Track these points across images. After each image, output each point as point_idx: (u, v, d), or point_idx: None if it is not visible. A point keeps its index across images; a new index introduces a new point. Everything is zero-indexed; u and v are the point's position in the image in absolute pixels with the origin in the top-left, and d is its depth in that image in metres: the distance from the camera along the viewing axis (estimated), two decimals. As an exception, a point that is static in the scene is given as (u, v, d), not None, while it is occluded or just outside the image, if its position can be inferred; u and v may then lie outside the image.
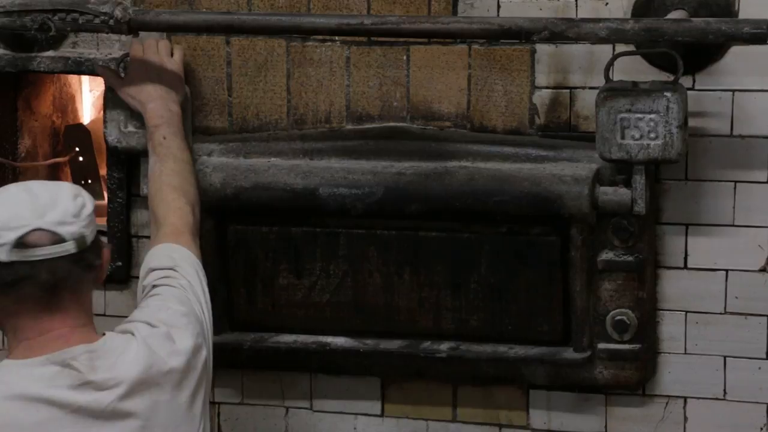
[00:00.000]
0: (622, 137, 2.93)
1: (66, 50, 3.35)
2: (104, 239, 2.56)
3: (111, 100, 3.19)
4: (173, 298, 2.60)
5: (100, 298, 3.40)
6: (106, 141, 3.24)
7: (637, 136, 2.93)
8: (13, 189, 2.49)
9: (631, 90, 2.95)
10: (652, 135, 2.92)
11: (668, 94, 2.91)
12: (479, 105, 3.18)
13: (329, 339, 3.24)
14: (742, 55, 3.01)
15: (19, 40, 3.32)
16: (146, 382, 2.42)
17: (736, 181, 3.09)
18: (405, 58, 3.20)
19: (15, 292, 2.36)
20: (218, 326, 3.24)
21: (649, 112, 2.92)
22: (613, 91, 2.94)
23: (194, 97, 3.29)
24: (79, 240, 2.39)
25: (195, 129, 3.30)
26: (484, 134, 3.18)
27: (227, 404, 3.41)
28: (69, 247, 2.38)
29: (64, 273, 2.38)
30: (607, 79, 2.99)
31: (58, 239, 2.37)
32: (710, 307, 3.14)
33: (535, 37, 2.89)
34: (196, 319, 2.60)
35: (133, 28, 3.05)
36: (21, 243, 2.35)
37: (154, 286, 2.63)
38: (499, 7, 3.13)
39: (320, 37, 3.20)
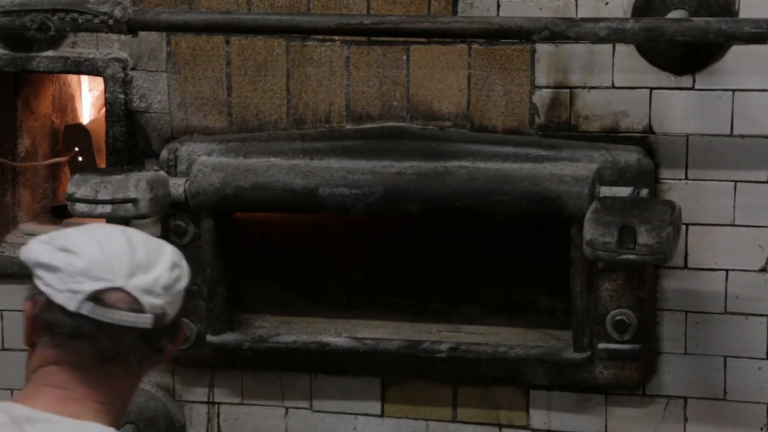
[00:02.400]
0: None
1: (65, 50, 3.37)
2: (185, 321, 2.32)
3: None
4: None
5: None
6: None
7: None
8: (113, 233, 2.20)
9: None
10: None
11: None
12: (479, 105, 3.19)
13: (329, 339, 3.27)
14: (742, 55, 3.03)
15: (19, 39, 3.32)
16: None
17: (736, 181, 3.11)
18: (405, 57, 3.22)
19: (68, 347, 2.11)
20: (218, 326, 3.30)
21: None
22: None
23: (193, 97, 3.32)
24: (159, 316, 2.11)
25: (193, 129, 3.34)
26: (484, 134, 3.19)
27: (227, 404, 3.42)
28: (145, 321, 2.10)
29: (127, 347, 2.11)
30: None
31: (138, 308, 2.09)
32: (710, 307, 3.16)
33: (535, 37, 2.90)
34: None
35: (132, 27, 3.05)
36: (96, 298, 2.08)
37: None
38: (498, 6, 3.14)
39: (320, 36, 3.21)
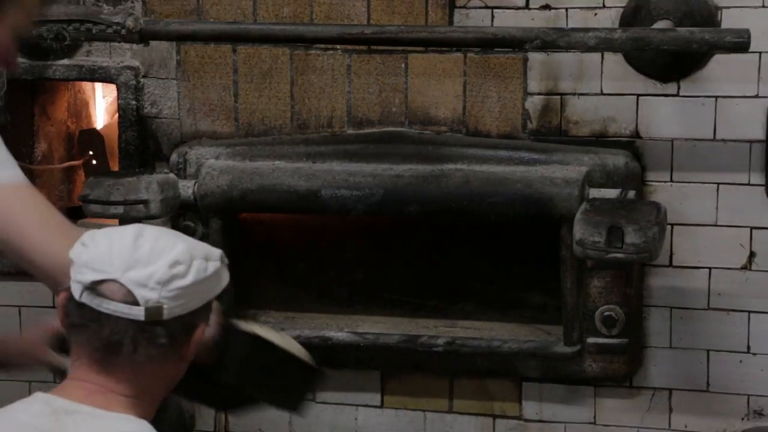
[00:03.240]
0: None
1: (80, 58, 3.36)
2: (204, 324, 2.20)
3: None
4: None
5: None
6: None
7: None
8: (127, 231, 2.20)
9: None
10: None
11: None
12: (474, 110, 3.18)
13: (331, 333, 3.25)
14: (724, 63, 3.03)
15: (36, 49, 3.30)
16: None
17: (718, 183, 3.10)
18: (403, 65, 3.20)
19: (79, 335, 2.15)
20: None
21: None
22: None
23: (201, 103, 3.30)
24: (152, 310, 2.10)
25: (202, 133, 3.32)
26: (479, 138, 3.18)
27: None
28: (137, 313, 2.10)
29: (125, 337, 2.11)
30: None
31: (132, 300, 2.10)
32: (694, 303, 3.15)
33: (527, 46, 2.90)
34: None
35: (144, 37, 3.05)
36: (94, 289, 2.11)
37: None
38: (493, 17, 3.14)
39: (322, 45, 3.20)
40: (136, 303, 2.07)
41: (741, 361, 3.15)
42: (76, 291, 2.10)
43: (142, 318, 2.07)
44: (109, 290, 2.07)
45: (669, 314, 3.17)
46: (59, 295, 2.14)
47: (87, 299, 2.08)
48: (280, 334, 2.58)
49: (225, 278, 2.20)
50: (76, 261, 2.11)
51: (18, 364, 2.52)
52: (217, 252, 2.19)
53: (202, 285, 2.13)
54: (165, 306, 2.07)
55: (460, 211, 3.09)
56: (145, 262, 2.09)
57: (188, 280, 2.10)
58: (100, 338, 2.09)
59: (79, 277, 2.10)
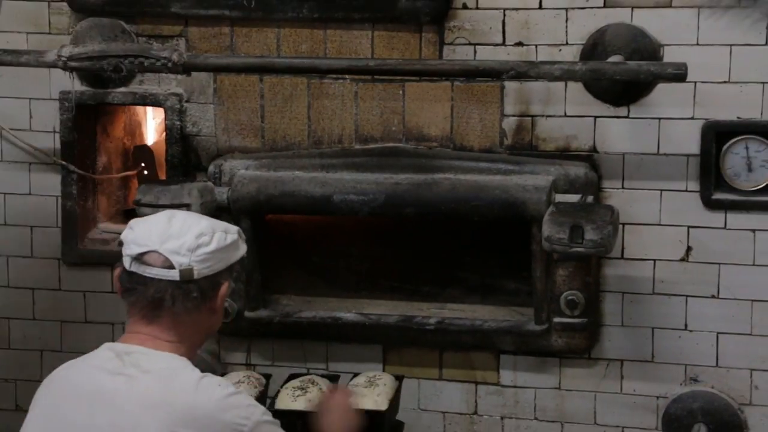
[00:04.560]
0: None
1: (134, 87, 3.36)
2: (228, 282, 2.33)
3: None
4: None
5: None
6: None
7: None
8: (163, 214, 2.36)
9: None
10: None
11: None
12: (460, 129, 3.19)
13: (341, 314, 3.26)
14: (666, 91, 3.04)
15: (98, 79, 3.33)
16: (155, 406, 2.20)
17: (661, 190, 3.11)
18: (401, 92, 3.21)
19: (131, 297, 2.30)
20: (254, 304, 3.27)
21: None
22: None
23: (234, 123, 3.29)
24: (185, 271, 2.24)
25: (234, 148, 3.30)
26: (464, 152, 3.18)
27: (261, 365, 3.37)
28: (174, 275, 2.24)
29: (166, 294, 2.25)
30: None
31: (169, 265, 2.25)
32: (641, 289, 3.15)
33: (504, 76, 2.92)
34: None
35: (187, 69, 3.07)
36: (139, 259, 2.26)
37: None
38: (475, 52, 3.14)
39: (334, 75, 3.20)
40: (172, 267, 2.24)
41: (680, 337, 3.15)
42: (126, 263, 2.27)
43: (178, 278, 2.24)
44: (151, 259, 2.24)
45: (621, 298, 3.17)
46: (115, 270, 2.30)
47: (135, 268, 2.25)
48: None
49: (242, 248, 2.37)
50: (125, 240, 2.28)
51: None
52: (234, 228, 2.37)
53: (223, 251, 2.29)
54: (195, 268, 2.24)
55: (449, 212, 3.09)
56: (177, 235, 2.25)
57: (212, 247, 2.26)
58: (146, 297, 2.25)
59: (128, 252, 2.27)
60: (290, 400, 2.88)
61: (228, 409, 2.20)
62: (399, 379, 2.98)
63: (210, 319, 2.33)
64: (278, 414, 2.75)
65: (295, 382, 2.95)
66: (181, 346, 2.29)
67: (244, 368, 3.39)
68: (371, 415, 2.78)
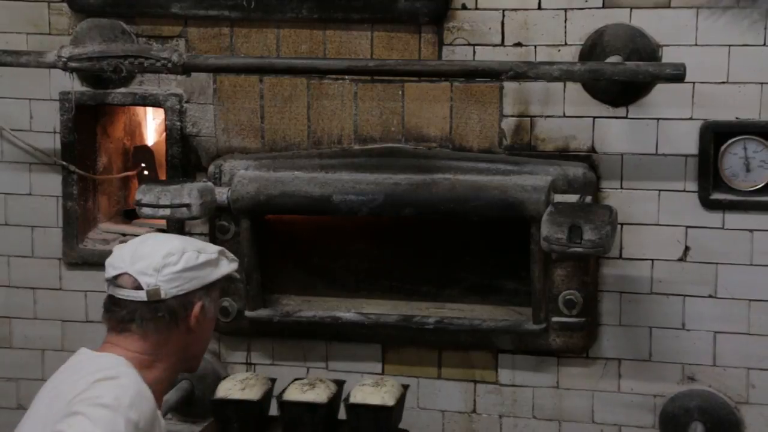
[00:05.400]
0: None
1: (134, 87, 3.36)
2: (202, 302, 2.30)
3: None
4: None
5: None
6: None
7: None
8: (140, 237, 2.39)
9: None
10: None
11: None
12: (459, 129, 3.17)
13: (341, 314, 3.24)
14: (664, 91, 3.03)
15: (98, 79, 3.33)
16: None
17: (660, 190, 3.09)
18: (400, 92, 3.20)
19: (107, 315, 2.30)
20: (254, 304, 3.26)
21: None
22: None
23: (234, 124, 3.28)
24: (152, 291, 2.25)
25: (234, 149, 3.29)
26: (463, 153, 3.17)
27: (261, 365, 3.39)
28: (140, 295, 2.25)
29: (135, 315, 2.26)
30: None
31: (137, 286, 2.26)
32: (639, 288, 3.15)
33: (503, 76, 2.90)
34: None
35: (186, 69, 3.05)
36: (114, 282, 2.29)
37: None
38: (474, 53, 3.13)
39: (334, 76, 3.20)
40: (140, 288, 2.23)
41: (677, 336, 3.14)
42: (106, 286, 2.28)
43: (145, 299, 2.22)
44: (123, 281, 2.25)
45: (619, 298, 3.16)
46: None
47: (111, 290, 2.27)
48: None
49: (224, 267, 2.31)
50: (106, 264, 2.27)
51: None
52: (214, 248, 2.32)
53: (193, 270, 2.25)
54: (161, 288, 2.22)
55: (448, 212, 3.09)
56: (146, 255, 2.25)
57: (179, 267, 2.24)
58: (118, 318, 2.26)
59: (106, 275, 2.26)
60: (299, 393, 2.92)
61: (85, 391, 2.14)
62: (405, 387, 3.00)
63: (187, 339, 2.29)
64: (287, 405, 2.85)
65: (303, 380, 2.99)
66: (150, 360, 2.26)
67: (244, 367, 3.40)
68: (378, 411, 2.82)
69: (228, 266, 2.34)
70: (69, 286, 3.48)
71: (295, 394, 2.91)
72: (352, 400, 2.86)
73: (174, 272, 2.24)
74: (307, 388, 2.92)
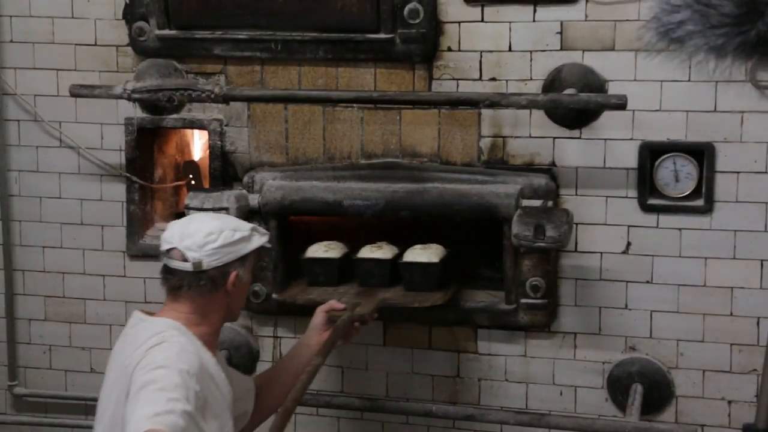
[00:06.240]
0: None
1: (184, 114, 3.43)
2: (237, 271, 2.38)
3: None
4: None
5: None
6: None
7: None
8: (189, 216, 2.47)
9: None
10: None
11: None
12: (445, 147, 3.25)
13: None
14: (610, 117, 3.12)
15: (155, 107, 3.41)
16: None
17: (607, 196, 3.18)
18: (398, 118, 3.28)
19: (164, 283, 2.44)
20: (280, 288, 3.31)
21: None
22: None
23: (264, 143, 3.34)
24: (196, 263, 2.35)
25: (264, 163, 3.34)
26: (449, 166, 3.24)
27: (286, 338, 3.45)
28: (187, 266, 2.36)
29: (183, 282, 2.38)
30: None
31: (184, 258, 2.37)
32: (591, 276, 3.22)
33: (480, 105, 3.02)
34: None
35: (226, 99, 3.18)
36: (167, 254, 2.41)
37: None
38: (458, 86, 3.22)
39: (344, 104, 3.27)
40: (187, 260, 2.38)
41: (621, 314, 3.21)
42: (162, 257, 2.42)
43: (191, 269, 2.38)
44: (174, 254, 2.40)
45: (575, 283, 3.23)
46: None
47: (165, 261, 2.42)
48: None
49: (256, 240, 2.45)
50: (161, 239, 2.42)
51: (328, 349, 2.64)
52: (247, 225, 2.46)
53: (230, 246, 2.40)
54: (204, 261, 2.37)
55: (437, 215, 3.15)
56: (191, 234, 2.39)
57: (218, 243, 2.38)
58: (171, 285, 2.44)
59: (161, 248, 2.44)
60: (369, 252, 3.12)
61: (143, 357, 2.23)
62: (447, 250, 3.10)
63: (226, 300, 2.42)
64: (361, 261, 3.06)
65: (373, 245, 3.16)
66: (198, 320, 2.41)
67: (272, 340, 3.47)
68: (425, 266, 2.98)
69: (259, 240, 2.46)
70: (131, 273, 3.56)
71: (366, 252, 3.09)
72: (406, 259, 3.02)
73: (214, 248, 2.38)
74: (375, 248, 3.12)
